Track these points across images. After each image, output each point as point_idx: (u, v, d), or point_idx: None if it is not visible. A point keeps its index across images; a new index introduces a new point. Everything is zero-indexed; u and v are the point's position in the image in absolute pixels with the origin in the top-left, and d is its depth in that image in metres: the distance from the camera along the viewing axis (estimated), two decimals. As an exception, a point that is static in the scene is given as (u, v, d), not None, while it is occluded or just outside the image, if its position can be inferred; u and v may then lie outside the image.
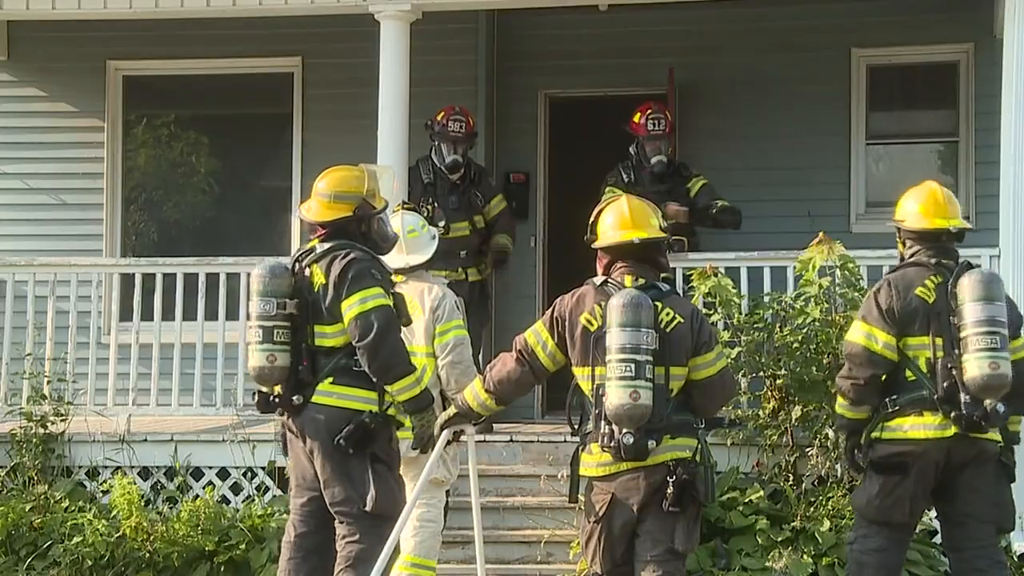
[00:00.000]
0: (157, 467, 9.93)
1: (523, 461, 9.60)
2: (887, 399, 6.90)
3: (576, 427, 6.55)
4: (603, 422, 6.27)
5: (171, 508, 9.56)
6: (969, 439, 6.77)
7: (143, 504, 9.43)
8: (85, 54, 12.21)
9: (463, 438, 6.99)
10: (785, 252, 9.74)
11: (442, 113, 10.46)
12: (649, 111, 10.68)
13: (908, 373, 6.88)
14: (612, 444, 6.24)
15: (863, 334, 6.91)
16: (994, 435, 6.86)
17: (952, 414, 6.72)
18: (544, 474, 9.20)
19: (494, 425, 9.83)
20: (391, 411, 6.86)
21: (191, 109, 12.58)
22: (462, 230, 10.39)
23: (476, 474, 7.11)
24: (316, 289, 6.81)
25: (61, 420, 9.94)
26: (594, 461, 6.39)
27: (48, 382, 10.13)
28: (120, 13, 10.32)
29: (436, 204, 10.26)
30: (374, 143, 9.83)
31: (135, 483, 9.55)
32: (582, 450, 6.50)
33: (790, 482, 9.05)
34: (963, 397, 6.68)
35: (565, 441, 9.15)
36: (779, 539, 8.79)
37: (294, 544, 6.91)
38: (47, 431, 9.89)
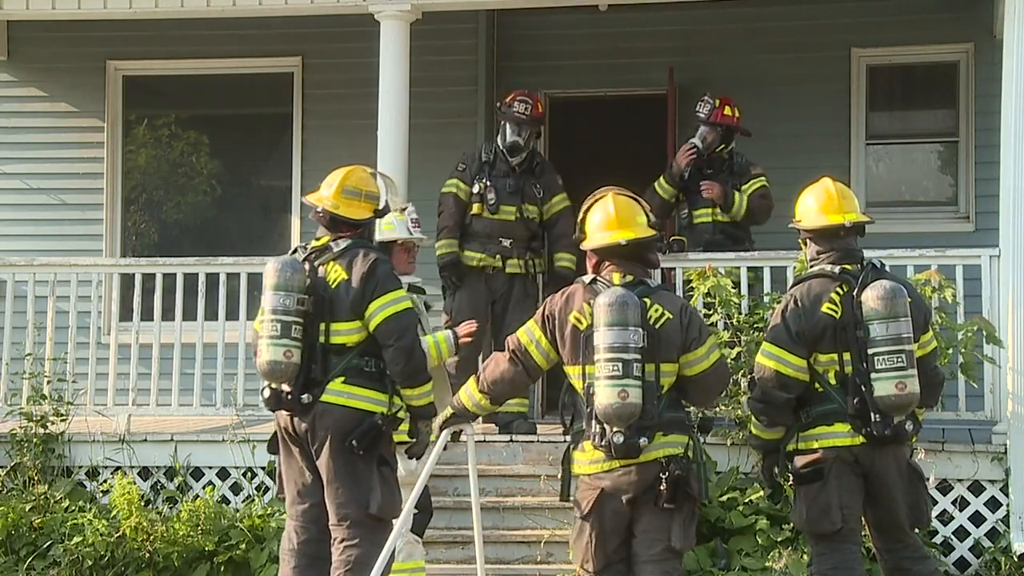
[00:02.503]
0: (157, 467, 9.92)
1: (523, 461, 9.59)
2: (800, 412, 6.93)
3: (568, 425, 6.56)
4: (594, 420, 6.28)
5: (171, 508, 9.57)
6: (881, 447, 6.82)
7: (143, 504, 9.43)
8: (85, 54, 12.22)
9: (462, 438, 7.00)
10: (785, 252, 9.72)
11: (512, 94, 10.24)
12: (704, 96, 10.57)
13: (817, 386, 6.90)
14: (603, 443, 6.25)
15: (774, 357, 6.88)
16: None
17: (864, 430, 6.77)
18: (544, 474, 9.20)
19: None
20: (400, 414, 6.85)
21: (191, 109, 12.58)
22: (509, 214, 10.08)
23: (476, 474, 7.12)
24: (335, 286, 6.78)
25: (61, 420, 9.94)
26: (587, 459, 6.40)
27: (48, 382, 10.12)
28: (120, 13, 10.31)
29: (489, 183, 10.11)
30: (374, 143, 9.81)
31: (135, 483, 9.56)
32: (575, 448, 6.50)
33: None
34: (873, 415, 6.73)
35: (565, 441, 9.08)
36: (779, 539, 8.79)
37: (298, 551, 6.85)
38: (47, 431, 9.89)
